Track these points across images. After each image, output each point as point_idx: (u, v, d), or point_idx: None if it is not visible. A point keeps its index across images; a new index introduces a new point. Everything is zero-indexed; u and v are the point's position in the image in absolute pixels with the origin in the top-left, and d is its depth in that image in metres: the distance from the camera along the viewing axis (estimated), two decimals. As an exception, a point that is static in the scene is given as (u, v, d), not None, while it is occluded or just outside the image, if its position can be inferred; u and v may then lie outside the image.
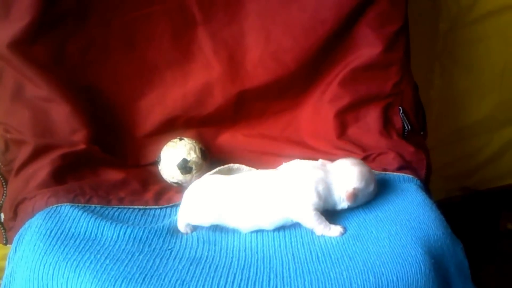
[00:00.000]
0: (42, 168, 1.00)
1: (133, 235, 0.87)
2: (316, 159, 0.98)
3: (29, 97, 1.06)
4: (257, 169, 1.04)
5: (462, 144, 1.70)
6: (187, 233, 0.91)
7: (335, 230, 0.89)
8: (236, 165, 1.08)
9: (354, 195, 0.92)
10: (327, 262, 0.81)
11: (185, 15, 1.17)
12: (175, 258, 0.82)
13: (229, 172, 1.06)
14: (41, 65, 1.05)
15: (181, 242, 0.88)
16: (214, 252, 0.85)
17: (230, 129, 1.23)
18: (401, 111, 1.20)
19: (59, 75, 1.08)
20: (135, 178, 1.07)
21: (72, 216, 0.89)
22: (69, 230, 0.86)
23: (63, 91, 1.07)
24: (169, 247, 0.86)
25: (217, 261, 0.83)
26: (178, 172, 1.08)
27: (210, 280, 0.77)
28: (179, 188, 1.09)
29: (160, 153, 1.11)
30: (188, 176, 1.08)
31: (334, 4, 1.15)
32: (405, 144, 1.16)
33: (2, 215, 1.05)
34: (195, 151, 1.09)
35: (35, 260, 0.80)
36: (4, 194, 1.06)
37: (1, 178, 1.08)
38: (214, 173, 1.04)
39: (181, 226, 0.91)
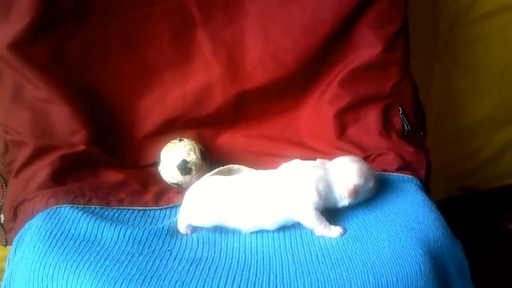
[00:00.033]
0: (42, 169, 1.00)
1: (133, 236, 0.87)
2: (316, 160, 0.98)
3: (28, 98, 1.06)
4: (257, 169, 1.04)
5: (462, 144, 1.70)
6: (187, 234, 0.91)
7: (335, 231, 0.89)
8: (236, 166, 1.08)
9: (355, 192, 0.92)
10: (327, 263, 0.81)
11: (185, 16, 1.17)
12: (174, 259, 0.82)
13: (229, 173, 1.06)
14: (40, 66, 1.05)
15: (180, 243, 0.88)
16: (214, 253, 0.85)
17: (229, 129, 1.23)
18: (400, 112, 1.20)
19: (58, 76, 1.08)
20: (134, 179, 1.07)
21: (71, 217, 0.89)
22: (68, 231, 0.86)
23: (63, 92, 1.07)
24: (169, 248, 0.86)
25: (217, 262, 0.83)
26: (178, 173, 1.08)
27: (210, 281, 0.77)
28: (179, 189, 1.09)
29: (159, 154, 1.11)
30: (187, 177, 1.08)
31: (334, 4, 1.15)
32: (405, 144, 1.16)
33: (2, 216, 1.05)
34: (194, 152, 1.09)
35: (35, 261, 0.80)
36: (4, 195, 1.06)
37: (1, 179, 1.08)
38: (214, 174, 1.04)
39: (182, 227, 0.91)
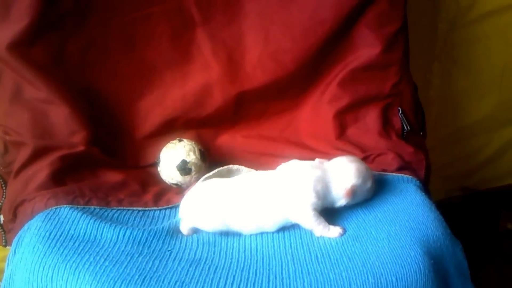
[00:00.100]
0: (41, 170, 1.00)
1: (133, 236, 0.87)
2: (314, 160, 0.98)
3: (28, 99, 1.06)
4: (256, 170, 1.04)
5: (461, 144, 1.70)
6: (188, 235, 0.91)
7: (334, 231, 0.89)
8: (235, 166, 1.08)
9: (353, 192, 0.92)
10: (327, 263, 0.81)
11: (184, 16, 1.17)
12: (174, 259, 0.82)
13: (229, 173, 1.06)
14: (40, 67, 1.05)
15: (180, 243, 0.88)
16: (214, 253, 0.85)
17: (229, 130, 1.23)
18: (400, 112, 1.20)
19: (58, 77, 1.08)
20: (134, 180, 1.07)
21: (71, 218, 0.89)
22: (68, 232, 0.86)
23: (62, 93, 1.07)
24: (169, 249, 0.86)
25: (217, 262, 0.83)
26: (178, 173, 1.08)
27: (210, 282, 0.77)
28: (179, 189, 1.09)
29: (159, 154, 1.11)
30: (187, 178, 1.08)
31: (333, 4, 1.15)
32: (404, 144, 1.16)
33: (2, 217, 1.05)
34: (194, 152, 1.09)
35: (35, 262, 0.80)
36: (4, 196, 1.06)
37: (1, 180, 1.08)
38: (214, 174, 1.04)
39: (185, 229, 0.91)
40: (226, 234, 0.91)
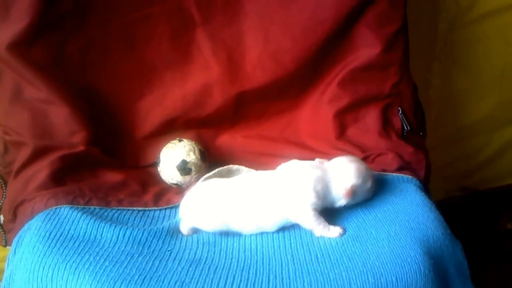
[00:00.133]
0: (41, 170, 1.00)
1: (133, 236, 0.87)
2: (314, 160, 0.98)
3: (28, 99, 1.06)
4: (256, 170, 1.04)
5: (461, 144, 1.70)
6: (188, 235, 0.91)
7: (334, 231, 0.89)
8: (235, 166, 1.08)
9: (352, 192, 0.92)
10: (326, 263, 0.81)
11: (184, 16, 1.17)
12: (174, 259, 0.82)
13: (229, 173, 1.06)
14: (40, 67, 1.05)
15: (180, 243, 0.88)
16: (214, 253, 0.85)
17: (229, 130, 1.23)
18: (400, 112, 1.20)
19: (58, 77, 1.08)
20: (134, 180, 1.07)
21: (71, 218, 0.89)
22: (68, 232, 0.86)
23: (62, 93, 1.07)
24: (169, 249, 0.86)
25: (217, 262, 0.83)
26: (178, 173, 1.08)
27: (210, 282, 0.77)
28: (179, 189, 1.09)
29: (159, 154, 1.11)
30: (187, 178, 1.08)
31: (333, 4, 1.15)
32: (404, 144, 1.16)
33: (2, 217, 1.05)
34: (194, 152, 1.09)
35: (34, 262, 0.80)
36: (4, 196, 1.06)
37: (1, 180, 1.08)
38: (214, 174, 1.04)
39: (185, 229, 0.91)
40: (226, 234, 0.91)
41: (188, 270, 0.79)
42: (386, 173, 1.08)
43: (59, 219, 0.89)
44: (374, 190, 0.98)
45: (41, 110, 1.06)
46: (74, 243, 0.83)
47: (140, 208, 0.98)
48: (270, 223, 0.90)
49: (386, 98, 1.20)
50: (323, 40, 1.17)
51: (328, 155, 1.01)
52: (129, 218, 0.94)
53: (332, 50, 1.19)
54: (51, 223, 0.87)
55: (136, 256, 0.82)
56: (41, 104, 1.06)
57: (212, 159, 1.14)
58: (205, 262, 0.82)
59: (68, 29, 1.10)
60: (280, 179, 0.92)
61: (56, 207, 0.92)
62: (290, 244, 0.88)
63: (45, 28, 1.06)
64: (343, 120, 1.19)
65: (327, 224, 0.89)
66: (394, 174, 1.08)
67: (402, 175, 1.07)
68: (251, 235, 0.90)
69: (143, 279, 0.76)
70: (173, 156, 1.09)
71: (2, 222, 1.05)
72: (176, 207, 0.97)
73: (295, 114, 1.24)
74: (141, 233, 0.88)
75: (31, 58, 1.05)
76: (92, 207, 0.95)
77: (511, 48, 1.57)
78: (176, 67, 1.19)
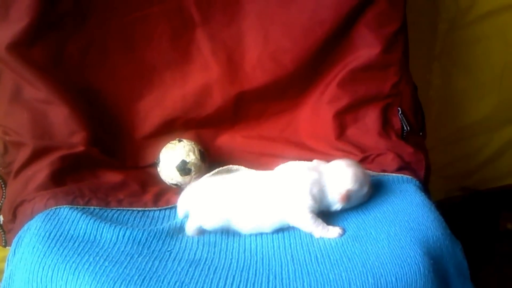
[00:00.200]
0: (41, 170, 1.00)
1: (132, 237, 0.87)
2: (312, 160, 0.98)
3: (27, 99, 1.06)
4: (256, 170, 1.04)
5: (461, 144, 1.70)
6: (193, 235, 0.91)
7: (333, 232, 0.89)
8: (235, 167, 1.08)
9: (347, 197, 0.92)
10: (326, 264, 0.81)
11: (184, 16, 1.17)
12: (174, 260, 0.82)
13: (228, 173, 1.06)
14: (39, 67, 1.05)
15: (180, 244, 0.88)
16: (214, 254, 0.85)
17: (229, 130, 1.23)
18: (400, 112, 1.20)
19: (57, 77, 1.08)
20: (134, 180, 1.07)
21: (71, 218, 0.89)
22: (68, 232, 0.86)
23: (62, 93, 1.07)
24: (168, 249, 0.86)
25: (216, 262, 0.83)
26: (177, 173, 1.08)
27: (209, 282, 0.77)
28: (178, 189, 1.08)
29: (159, 154, 1.11)
30: (187, 178, 1.08)
31: (333, 4, 1.15)
32: (404, 144, 1.16)
33: (1, 217, 1.05)
34: (194, 153, 1.09)
35: (34, 262, 0.80)
36: (3, 196, 1.06)
37: (0, 180, 1.08)
38: (213, 174, 1.04)
39: (191, 230, 0.91)
40: (226, 234, 0.91)
41: (188, 271, 0.79)
42: (386, 173, 1.08)
43: (58, 219, 0.89)
44: (370, 195, 0.98)
45: (40, 110, 1.06)
46: (74, 244, 0.83)
47: (139, 209, 0.98)
48: (267, 224, 0.90)
49: (385, 98, 1.19)
50: (323, 40, 1.17)
51: (328, 155, 1.01)
52: (128, 219, 0.94)
53: (332, 50, 1.19)
54: (51, 224, 0.87)
55: (136, 256, 0.82)
56: (40, 104, 1.06)
57: (212, 159, 1.14)
58: (205, 263, 0.82)
59: (67, 29, 1.10)
60: (277, 182, 0.92)
61: (55, 207, 0.92)
62: (290, 245, 0.88)
63: (45, 28, 1.06)
64: (343, 120, 1.19)
65: (325, 225, 0.89)
66: (394, 174, 1.08)
67: (402, 175, 1.07)
68: (251, 235, 0.90)
69: (143, 280, 0.76)
70: (173, 157, 1.09)
71: (1, 222, 1.05)
72: (176, 207, 0.97)
73: (295, 114, 1.24)
74: (141, 234, 0.88)
75: (30, 58, 1.05)
76: (92, 207, 0.95)
77: (511, 48, 1.57)
78: (176, 67, 1.19)
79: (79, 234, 0.86)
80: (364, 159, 1.13)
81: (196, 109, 1.19)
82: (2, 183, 1.08)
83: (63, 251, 0.81)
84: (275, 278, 0.79)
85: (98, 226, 0.88)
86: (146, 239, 0.87)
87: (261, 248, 0.88)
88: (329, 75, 1.20)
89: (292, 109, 1.23)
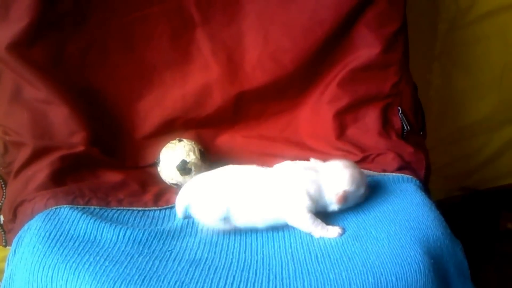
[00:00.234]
0: (41, 170, 1.00)
1: (133, 236, 0.87)
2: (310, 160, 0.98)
3: (27, 99, 1.06)
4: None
5: (461, 144, 1.70)
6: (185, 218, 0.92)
7: (333, 231, 0.89)
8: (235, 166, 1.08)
9: (344, 198, 0.92)
10: (326, 263, 0.81)
11: (184, 16, 1.17)
12: (174, 259, 0.82)
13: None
14: (39, 67, 1.05)
15: (181, 244, 0.88)
16: (214, 253, 0.85)
17: (229, 130, 1.23)
18: (400, 112, 1.20)
19: (57, 77, 1.08)
20: (134, 180, 1.08)
21: (71, 218, 0.89)
22: (68, 232, 0.86)
23: (62, 93, 1.07)
24: (169, 249, 0.86)
25: (217, 262, 0.83)
26: (177, 173, 1.08)
27: (210, 282, 0.77)
28: (178, 189, 1.08)
29: (159, 154, 1.11)
30: (187, 178, 1.08)
31: (333, 4, 1.15)
32: (404, 144, 1.16)
33: (2, 217, 1.05)
34: (194, 152, 1.09)
35: (34, 262, 0.80)
36: (4, 196, 1.06)
37: (1, 180, 1.08)
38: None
39: (180, 210, 0.92)
40: (227, 234, 0.91)
41: (188, 270, 0.79)
42: (386, 173, 1.08)
43: (59, 219, 0.89)
44: (367, 195, 0.98)
45: (40, 110, 1.06)
46: (74, 243, 0.83)
47: (140, 208, 0.98)
48: (260, 220, 0.90)
49: (386, 98, 1.20)
50: (323, 40, 1.17)
51: (328, 155, 1.01)
52: (129, 218, 0.95)
53: (332, 50, 1.19)
54: (51, 223, 0.87)
55: (136, 256, 0.82)
56: (40, 104, 1.06)
57: (212, 159, 1.14)
58: (205, 262, 0.82)
59: (67, 30, 1.10)
60: (274, 181, 0.92)
61: (56, 207, 0.92)
62: (290, 244, 0.88)
63: (45, 28, 1.06)
64: (343, 120, 1.19)
65: (324, 225, 0.89)
66: (394, 174, 1.08)
67: (402, 175, 1.08)
68: (251, 235, 0.90)
69: (143, 279, 0.76)
70: (173, 156, 1.09)
71: (2, 222, 1.05)
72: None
73: (295, 114, 1.24)
74: (141, 233, 0.88)
75: (30, 58, 1.05)
76: (92, 207, 0.95)
77: (511, 48, 1.57)
78: (176, 67, 1.19)
79: (79, 234, 0.86)
80: (364, 159, 1.13)
81: (196, 109, 1.20)
82: (2, 183, 1.08)
83: (63, 251, 0.81)
84: (276, 277, 0.79)
85: (98, 226, 0.88)
86: (147, 239, 0.87)
87: (261, 247, 0.88)
88: (329, 75, 1.20)
89: (292, 109, 1.24)
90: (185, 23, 1.17)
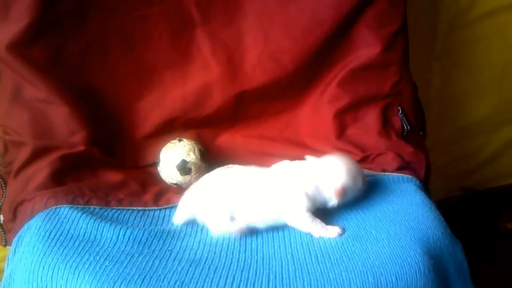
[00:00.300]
0: (41, 169, 1.00)
1: (133, 236, 0.87)
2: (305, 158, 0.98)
3: (28, 99, 1.06)
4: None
5: (461, 144, 1.70)
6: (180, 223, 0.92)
7: (332, 231, 0.89)
8: (235, 166, 1.08)
9: (342, 191, 0.92)
10: (326, 263, 0.81)
11: (184, 16, 1.17)
12: (174, 259, 0.82)
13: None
14: (39, 67, 1.05)
15: (180, 243, 0.88)
16: (214, 253, 0.85)
17: (229, 130, 1.23)
18: (400, 111, 1.20)
19: (57, 77, 1.08)
20: (134, 179, 1.08)
21: (71, 217, 0.89)
22: (68, 232, 0.86)
23: (62, 93, 1.07)
24: (169, 249, 0.86)
25: (217, 262, 0.83)
26: (177, 173, 1.08)
27: (210, 282, 0.77)
28: (178, 189, 1.09)
29: (159, 154, 1.11)
30: (187, 177, 1.08)
31: (333, 4, 1.15)
32: (404, 144, 1.16)
33: (2, 217, 1.05)
34: (194, 152, 1.09)
35: (34, 261, 0.80)
36: (4, 196, 1.06)
37: (1, 180, 1.08)
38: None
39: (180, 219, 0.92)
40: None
41: (188, 270, 0.79)
42: (386, 173, 1.08)
43: (59, 219, 0.89)
44: (366, 189, 0.98)
45: (40, 110, 1.06)
46: (74, 243, 0.83)
47: (140, 208, 0.98)
48: (261, 221, 0.90)
49: (386, 97, 1.20)
50: (323, 40, 1.17)
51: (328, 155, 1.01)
52: (129, 218, 0.94)
53: (332, 50, 1.19)
54: (51, 223, 0.87)
55: (136, 256, 0.82)
56: (40, 104, 1.06)
57: (212, 159, 1.14)
58: (205, 262, 0.82)
59: (67, 29, 1.10)
60: (272, 182, 0.92)
61: (56, 206, 0.92)
62: (290, 244, 0.88)
63: (45, 28, 1.06)
64: (343, 120, 1.19)
65: (324, 224, 0.89)
66: (394, 173, 1.08)
67: (402, 175, 1.08)
68: (251, 235, 0.90)
69: (143, 279, 0.76)
70: (173, 156, 1.09)
71: (2, 222, 1.05)
72: (176, 207, 0.97)
73: (295, 114, 1.24)
74: (141, 233, 0.88)
75: (30, 58, 1.05)
76: (92, 206, 0.95)
77: (511, 48, 1.57)
78: (176, 67, 1.19)
79: (79, 233, 0.86)
80: (364, 159, 1.13)
81: (196, 109, 1.20)
82: (2, 182, 1.08)
83: (63, 250, 0.81)
84: (275, 277, 0.79)
85: (98, 226, 0.88)
86: (147, 238, 0.87)
87: (261, 247, 0.88)
88: (329, 74, 1.20)
89: (292, 108, 1.24)
90: (185, 23, 1.17)
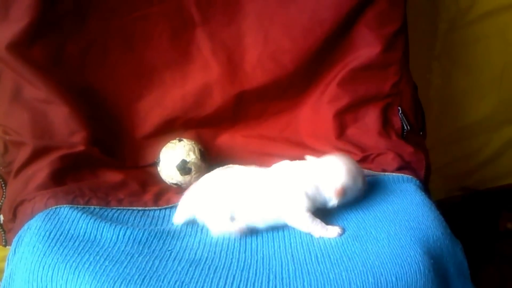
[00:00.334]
0: (41, 169, 1.00)
1: (133, 236, 0.87)
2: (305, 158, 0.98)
3: (27, 99, 1.06)
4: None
5: (461, 144, 1.70)
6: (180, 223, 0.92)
7: (332, 231, 0.89)
8: (235, 166, 1.08)
9: (343, 191, 0.92)
10: (326, 263, 0.81)
11: (184, 16, 1.17)
12: (174, 259, 0.82)
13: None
14: (39, 67, 1.05)
15: (181, 243, 0.88)
16: (214, 253, 0.85)
17: (229, 130, 1.23)
18: (400, 111, 1.20)
19: (57, 77, 1.08)
20: (134, 179, 1.08)
21: (71, 217, 0.89)
22: (68, 232, 0.86)
23: (62, 93, 1.07)
24: (169, 249, 0.86)
25: (217, 262, 0.83)
26: (177, 173, 1.08)
27: (209, 282, 0.77)
28: (178, 189, 1.09)
29: (159, 154, 1.11)
30: (187, 177, 1.08)
31: (333, 4, 1.15)
32: (404, 144, 1.16)
33: (2, 217, 1.05)
34: (194, 152, 1.09)
35: (34, 261, 0.80)
36: (4, 196, 1.06)
37: (1, 180, 1.08)
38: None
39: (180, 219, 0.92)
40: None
41: (188, 270, 0.79)
42: (386, 173, 1.08)
43: (59, 218, 0.89)
44: (366, 189, 0.98)
45: (40, 110, 1.06)
46: (74, 243, 0.83)
47: (140, 208, 0.98)
48: (261, 222, 0.90)
49: (386, 97, 1.20)
50: (323, 40, 1.17)
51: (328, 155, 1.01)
52: (129, 218, 0.94)
53: (332, 50, 1.19)
54: (51, 223, 0.87)
55: (136, 256, 0.82)
56: (40, 104, 1.06)
57: (212, 159, 1.14)
58: (205, 262, 0.82)
59: (67, 29, 1.10)
60: (272, 182, 0.92)
61: (56, 206, 0.92)
62: (290, 244, 0.88)
63: (45, 28, 1.06)
64: (343, 120, 1.19)
65: (324, 224, 0.89)
66: (394, 174, 1.08)
67: (402, 174, 1.08)
68: (251, 235, 0.90)
69: (143, 279, 0.76)
70: (173, 156, 1.09)
71: (2, 222, 1.05)
72: (176, 207, 0.97)
73: (295, 114, 1.24)
74: (141, 233, 0.88)
75: (30, 58, 1.05)
76: (92, 206, 0.95)
77: (511, 48, 1.57)
78: (176, 67, 1.19)
79: (79, 233, 0.86)
80: (364, 159, 1.13)
81: (196, 109, 1.20)
82: (2, 182, 1.08)
83: (63, 250, 0.81)
84: (275, 277, 0.79)
85: (98, 226, 0.88)
86: (147, 238, 0.87)
87: (261, 247, 0.88)
88: (329, 74, 1.20)
89: (292, 108, 1.24)
90: (185, 23, 1.17)
